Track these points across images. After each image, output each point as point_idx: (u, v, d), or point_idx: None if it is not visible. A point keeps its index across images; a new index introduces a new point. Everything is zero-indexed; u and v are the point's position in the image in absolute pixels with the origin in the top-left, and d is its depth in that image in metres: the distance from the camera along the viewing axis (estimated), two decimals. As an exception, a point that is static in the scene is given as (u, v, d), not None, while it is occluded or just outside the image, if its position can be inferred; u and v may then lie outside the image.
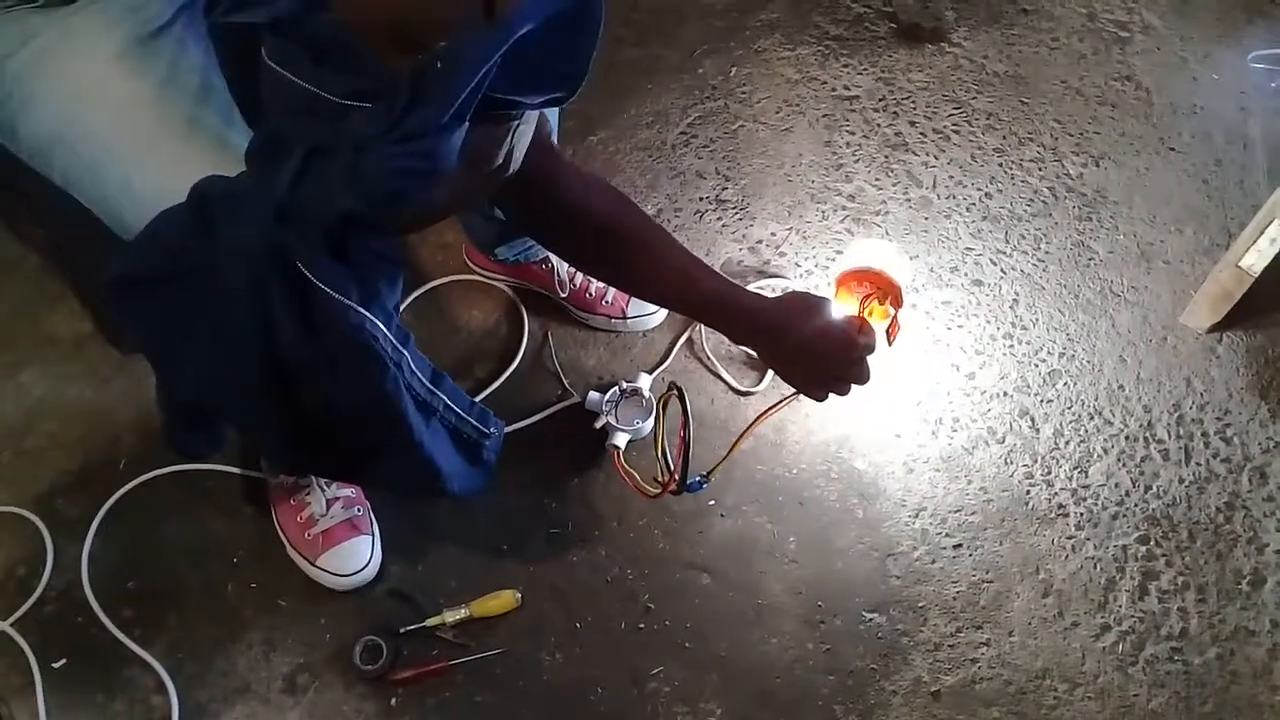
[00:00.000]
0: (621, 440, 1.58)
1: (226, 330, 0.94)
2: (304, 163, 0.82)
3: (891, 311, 1.45)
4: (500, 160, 0.93)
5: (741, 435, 1.52)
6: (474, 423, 1.12)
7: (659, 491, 1.42)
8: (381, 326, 0.94)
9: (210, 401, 1.07)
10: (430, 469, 1.09)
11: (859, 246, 1.54)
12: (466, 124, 0.80)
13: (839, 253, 1.87)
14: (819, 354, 1.24)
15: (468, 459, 1.14)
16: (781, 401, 1.54)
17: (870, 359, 1.25)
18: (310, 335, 0.91)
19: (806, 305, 1.25)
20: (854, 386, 1.26)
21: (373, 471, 1.18)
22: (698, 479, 1.43)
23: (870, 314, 1.45)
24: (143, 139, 1.04)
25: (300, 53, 0.78)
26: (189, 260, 0.91)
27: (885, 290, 1.48)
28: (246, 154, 0.89)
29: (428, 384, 1.03)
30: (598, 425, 1.60)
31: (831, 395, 1.28)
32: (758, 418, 1.57)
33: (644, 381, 1.64)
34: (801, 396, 1.33)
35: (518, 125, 0.92)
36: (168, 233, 0.92)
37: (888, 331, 1.40)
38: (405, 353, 0.99)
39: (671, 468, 1.40)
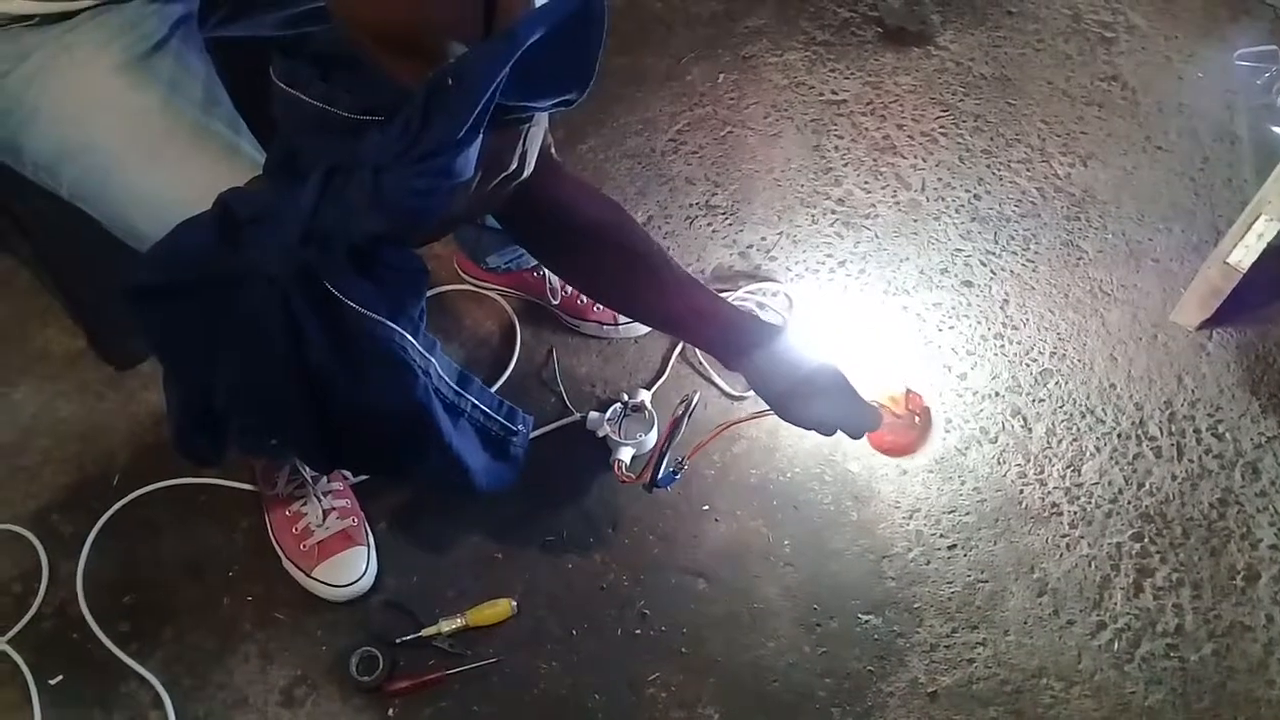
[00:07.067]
0: (626, 455, 1.58)
1: (254, 343, 0.95)
2: (324, 184, 0.83)
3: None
4: (515, 164, 0.94)
5: (717, 432, 1.47)
6: (502, 420, 1.13)
7: (634, 477, 1.44)
8: (409, 337, 0.95)
9: (235, 408, 1.07)
10: (458, 467, 1.10)
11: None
12: (481, 135, 0.81)
13: (829, 256, 1.87)
14: (818, 391, 1.26)
15: (496, 455, 1.16)
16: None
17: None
18: (339, 349, 0.92)
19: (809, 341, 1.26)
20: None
21: (403, 468, 1.19)
22: (670, 469, 1.42)
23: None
24: (153, 148, 1.05)
25: (309, 70, 0.79)
26: (213, 272, 0.92)
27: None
28: (264, 170, 0.90)
29: (455, 387, 1.05)
30: (600, 434, 1.61)
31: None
32: (741, 420, 1.50)
33: (643, 396, 1.64)
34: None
35: (529, 128, 0.93)
36: (191, 243, 0.93)
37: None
38: (432, 359, 1.00)
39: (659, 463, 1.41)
